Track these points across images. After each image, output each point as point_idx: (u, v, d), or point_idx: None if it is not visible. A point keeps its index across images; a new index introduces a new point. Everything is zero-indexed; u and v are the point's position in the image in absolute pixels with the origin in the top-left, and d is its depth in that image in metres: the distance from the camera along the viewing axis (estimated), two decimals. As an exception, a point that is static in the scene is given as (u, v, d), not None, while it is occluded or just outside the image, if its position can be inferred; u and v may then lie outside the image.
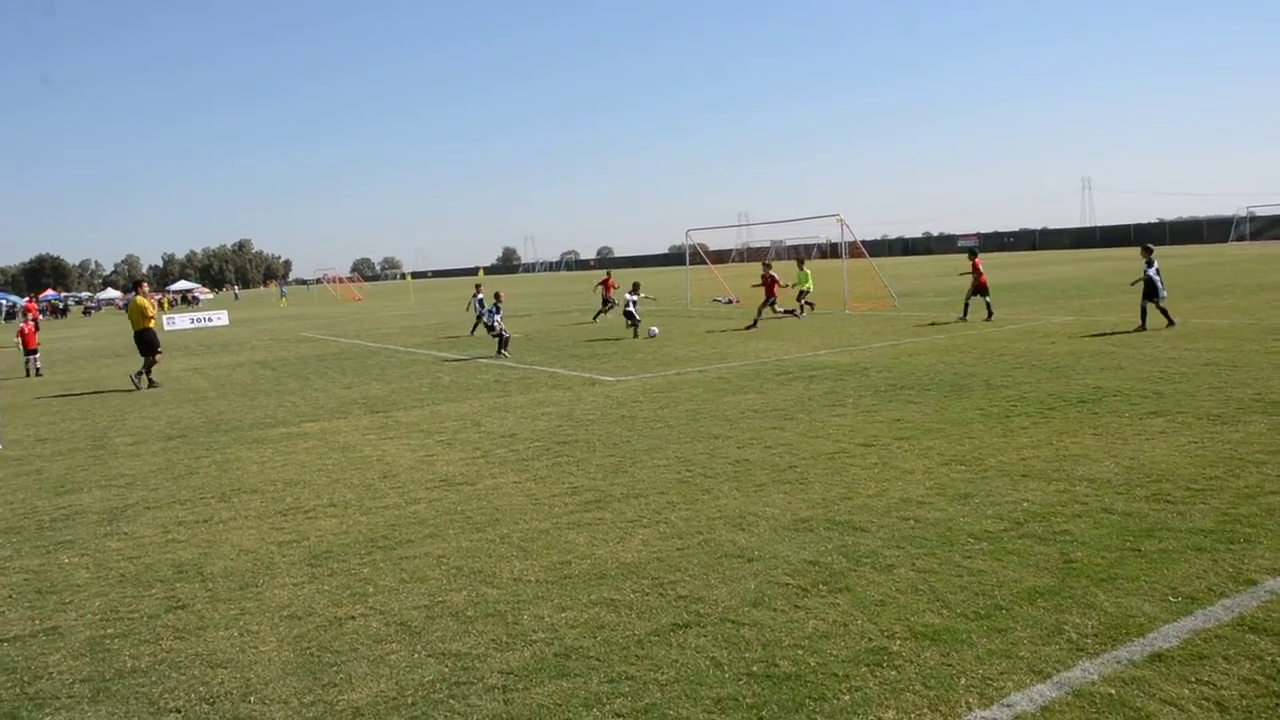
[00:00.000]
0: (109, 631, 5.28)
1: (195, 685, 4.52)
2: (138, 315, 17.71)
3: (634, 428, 10.38)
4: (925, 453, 8.29)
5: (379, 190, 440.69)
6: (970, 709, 3.84)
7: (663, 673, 4.33)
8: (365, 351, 23.10)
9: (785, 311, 25.56)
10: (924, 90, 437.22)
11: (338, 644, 4.89)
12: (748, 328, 22.40)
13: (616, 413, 11.47)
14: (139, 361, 17.95)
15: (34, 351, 21.79)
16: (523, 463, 8.96)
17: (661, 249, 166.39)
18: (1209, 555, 5.36)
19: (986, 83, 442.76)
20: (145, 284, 20.80)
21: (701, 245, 41.15)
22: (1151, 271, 17.02)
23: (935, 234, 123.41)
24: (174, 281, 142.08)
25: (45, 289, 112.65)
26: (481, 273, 52.17)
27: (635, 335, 21.79)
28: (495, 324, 19.53)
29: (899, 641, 4.49)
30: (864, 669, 4.23)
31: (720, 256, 77.74)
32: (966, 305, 21.89)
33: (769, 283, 23.76)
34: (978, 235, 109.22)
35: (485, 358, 19.29)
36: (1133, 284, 18.58)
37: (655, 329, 22.07)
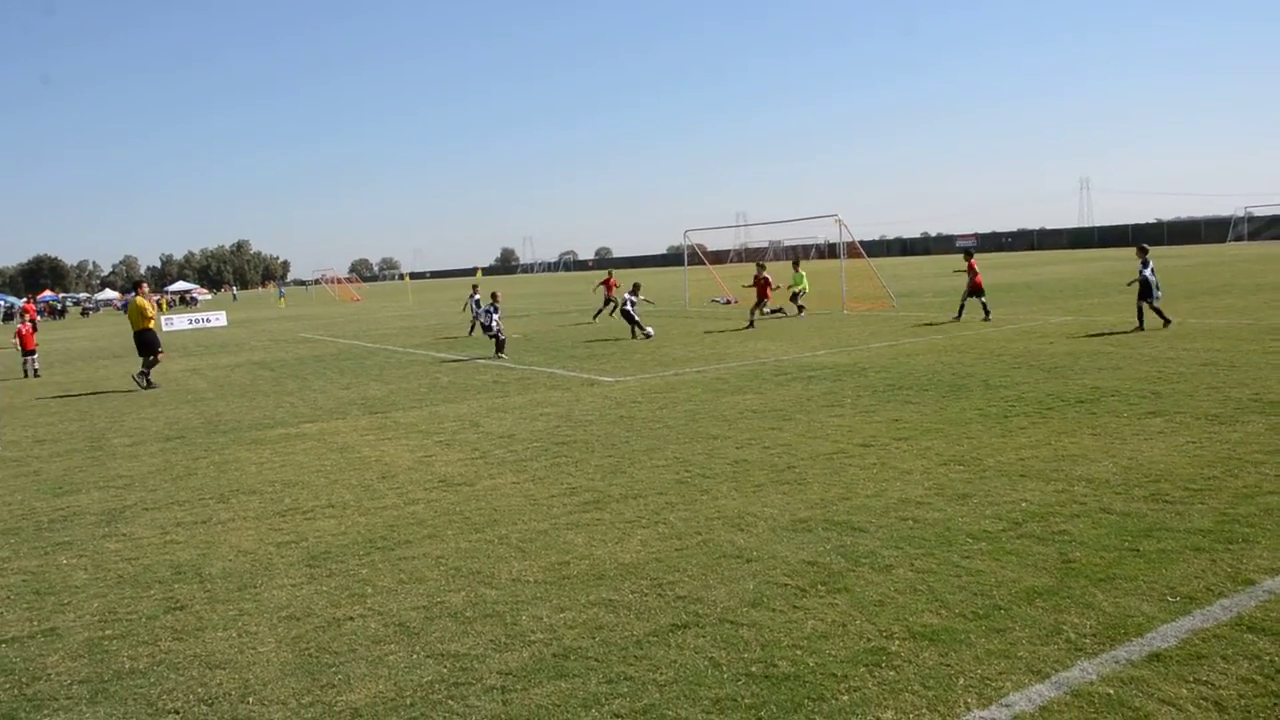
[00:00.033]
0: (107, 633, 5.28)
1: (194, 686, 4.52)
2: (137, 316, 17.72)
3: (632, 428, 10.38)
4: (924, 453, 8.30)
5: (378, 190, 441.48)
6: (969, 709, 3.85)
7: (661, 673, 4.33)
8: (363, 352, 23.09)
9: (773, 311, 25.57)
10: (923, 90, 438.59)
11: (336, 645, 4.89)
12: (745, 328, 22.44)
13: (615, 413, 11.47)
14: (139, 362, 17.95)
15: (32, 352, 21.78)
16: (521, 463, 8.96)
17: (660, 249, 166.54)
18: (1207, 555, 5.36)
19: (986, 83, 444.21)
20: (145, 284, 20.84)
21: (700, 246, 41.20)
22: (1147, 272, 17.05)
23: (934, 234, 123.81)
24: (172, 282, 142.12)
25: (43, 290, 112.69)
26: (480, 273, 52.19)
27: (634, 335, 21.81)
28: (492, 324, 19.53)
29: (897, 642, 4.49)
30: (862, 669, 4.23)
31: (718, 257, 77.82)
32: (962, 306, 21.96)
33: (761, 284, 23.77)
34: (975, 236, 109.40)
35: (483, 358, 19.29)
36: (1129, 284, 18.61)
37: (651, 330, 22.08)
